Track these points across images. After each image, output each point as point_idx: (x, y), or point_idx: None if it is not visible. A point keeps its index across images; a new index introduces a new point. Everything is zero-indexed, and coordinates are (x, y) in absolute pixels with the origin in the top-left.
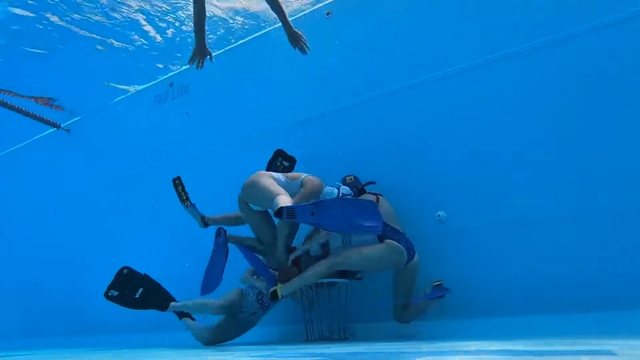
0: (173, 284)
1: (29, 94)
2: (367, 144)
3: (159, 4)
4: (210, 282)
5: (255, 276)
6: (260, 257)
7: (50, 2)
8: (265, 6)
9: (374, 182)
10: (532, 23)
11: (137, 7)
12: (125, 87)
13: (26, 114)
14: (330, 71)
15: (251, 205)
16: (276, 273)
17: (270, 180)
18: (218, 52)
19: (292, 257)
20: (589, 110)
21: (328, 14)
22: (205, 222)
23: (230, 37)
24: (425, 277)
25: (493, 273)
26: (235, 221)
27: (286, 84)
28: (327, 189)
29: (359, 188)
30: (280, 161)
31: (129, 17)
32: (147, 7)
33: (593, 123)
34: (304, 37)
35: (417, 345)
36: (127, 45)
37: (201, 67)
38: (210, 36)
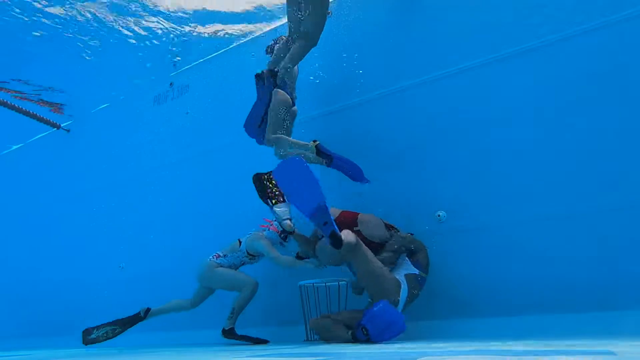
0: (171, 282)
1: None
2: (367, 143)
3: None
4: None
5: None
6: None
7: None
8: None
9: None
10: (532, 23)
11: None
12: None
13: (26, 113)
14: (329, 71)
15: None
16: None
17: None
18: (218, 53)
19: None
20: (589, 110)
21: (328, 13)
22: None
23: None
24: (428, 277)
25: (493, 273)
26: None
27: None
28: None
29: None
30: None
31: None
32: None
33: (593, 123)
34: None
35: (417, 345)
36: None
37: None
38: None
